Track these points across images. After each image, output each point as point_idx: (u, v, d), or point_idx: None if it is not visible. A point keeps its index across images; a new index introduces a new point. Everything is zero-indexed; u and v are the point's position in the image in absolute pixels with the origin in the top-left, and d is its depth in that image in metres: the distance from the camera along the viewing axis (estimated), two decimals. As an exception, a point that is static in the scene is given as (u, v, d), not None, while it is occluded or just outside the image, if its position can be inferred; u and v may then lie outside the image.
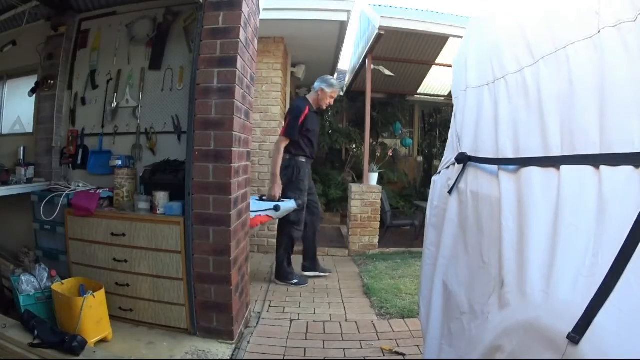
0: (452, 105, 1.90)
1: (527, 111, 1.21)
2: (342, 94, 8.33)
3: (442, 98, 8.04)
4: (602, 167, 0.87)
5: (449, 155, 1.80)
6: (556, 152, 1.03)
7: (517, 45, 1.35)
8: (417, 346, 2.54)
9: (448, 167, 1.79)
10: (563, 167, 0.97)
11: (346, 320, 3.03)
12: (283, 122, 4.51)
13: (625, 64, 0.87)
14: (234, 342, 2.45)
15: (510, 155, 1.26)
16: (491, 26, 1.65)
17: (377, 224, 5.23)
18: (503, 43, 1.47)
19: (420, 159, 8.60)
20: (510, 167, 1.23)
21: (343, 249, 5.22)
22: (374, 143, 7.82)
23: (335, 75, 7.63)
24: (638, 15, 0.84)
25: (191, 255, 2.41)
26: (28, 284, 2.33)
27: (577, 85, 1.01)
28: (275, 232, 5.27)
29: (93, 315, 2.23)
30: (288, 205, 3.66)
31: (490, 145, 1.41)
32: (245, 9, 2.44)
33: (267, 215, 3.54)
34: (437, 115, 8.55)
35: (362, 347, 2.59)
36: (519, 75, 1.31)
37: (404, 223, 6.07)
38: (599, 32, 0.96)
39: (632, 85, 0.84)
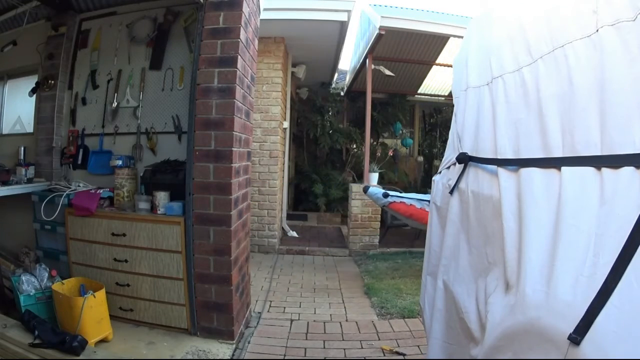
0: (453, 105, 1.90)
1: (526, 111, 1.21)
2: (342, 94, 8.33)
3: (443, 98, 8.03)
4: (603, 168, 0.87)
5: (450, 155, 1.80)
6: (557, 153, 1.03)
7: (515, 45, 1.34)
8: (418, 346, 2.54)
9: (449, 167, 1.78)
10: (564, 168, 0.97)
11: (347, 320, 3.03)
12: (283, 122, 4.47)
13: (625, 64, 0.86)
14: (234, 342, 2.45)
15: (510, 156, 1.26)
16: (491, 26, 1.64)
17: (378, 224, 5.23)
18: (502, 42, 1.47)
19: (420, 158, 8.60)
20: (511, 167, 1.23)
21: (343, 249, 5.22)
22: (375, 143, 7.82)
23: (336, 75, 7.63)
24: (638, 15, 0.84)
25: (192, 255, 2.41)
26: (28, 284, 2.33)
27: (577, 85, 1.01)
28: (275, 232, 5.29)
29: (93, 315, 2.23)
30: None
31: (490, 145, 1.41)
32: (245, 9, 2.44)
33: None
34: (438, 115, 8.55)
35: (362, 347, 2.59)
36: (517, 75, 1.30)
37: (404, 223, 6.05)
38: (597, 30, 0.96)
39: (632, 85, 0.84)
